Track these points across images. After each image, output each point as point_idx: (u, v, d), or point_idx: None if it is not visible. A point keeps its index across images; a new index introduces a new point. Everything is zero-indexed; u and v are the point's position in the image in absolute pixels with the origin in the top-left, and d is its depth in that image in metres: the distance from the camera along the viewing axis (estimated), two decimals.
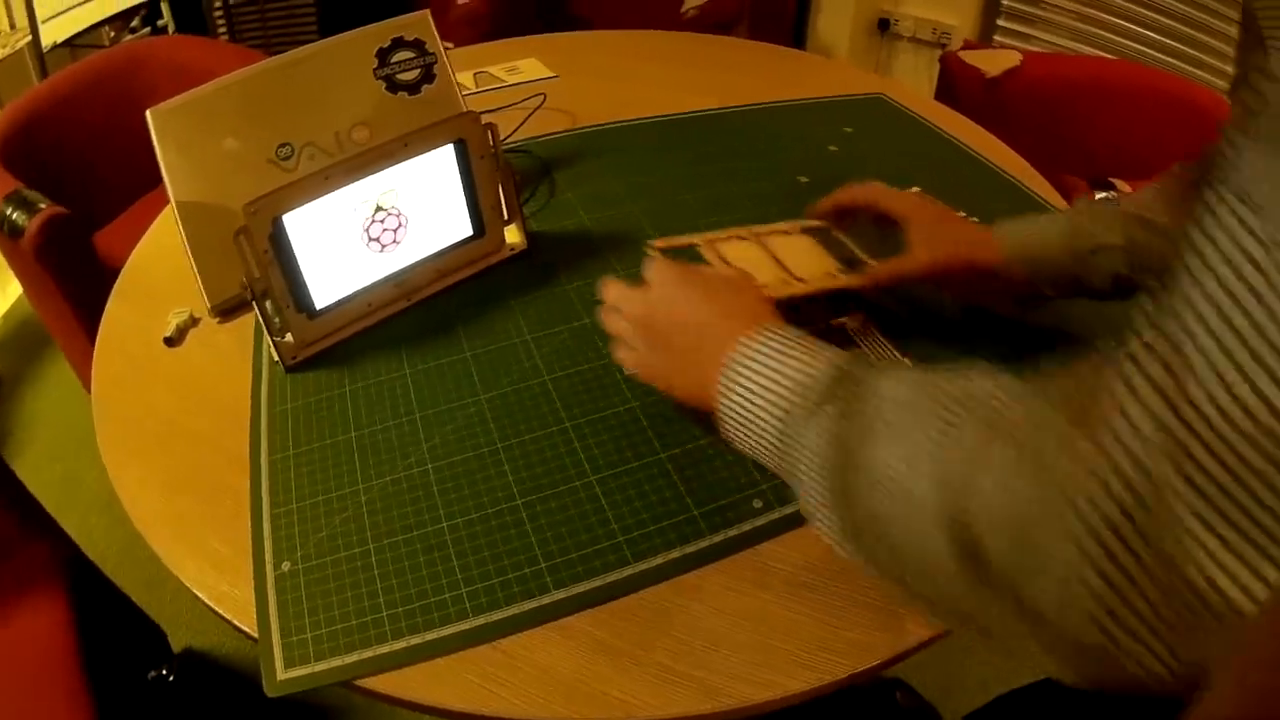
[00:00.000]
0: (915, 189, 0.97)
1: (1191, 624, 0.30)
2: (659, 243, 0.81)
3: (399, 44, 0.93)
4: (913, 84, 2.44)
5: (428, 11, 0.94)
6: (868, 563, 0.46)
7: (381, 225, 0.83)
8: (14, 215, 1.25)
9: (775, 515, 0.69)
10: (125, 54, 1.59)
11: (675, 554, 0.66)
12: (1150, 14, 2.08)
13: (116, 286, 0.96)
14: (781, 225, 0.88)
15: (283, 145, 0.88)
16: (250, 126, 0.86)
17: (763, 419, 0.52)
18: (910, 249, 0.78)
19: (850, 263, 0.84)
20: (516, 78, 1.34)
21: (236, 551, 0.67)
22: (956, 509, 0.38)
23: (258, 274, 0.76)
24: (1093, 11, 2.16)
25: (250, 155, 0.87)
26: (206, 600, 0.64)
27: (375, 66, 0.92)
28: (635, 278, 0.68)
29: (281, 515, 0.69)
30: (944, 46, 2.29)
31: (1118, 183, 1.43)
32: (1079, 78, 1.65)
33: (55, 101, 1.49)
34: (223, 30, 2.44)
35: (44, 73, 1.91)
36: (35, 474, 1.63)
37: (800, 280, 0.79)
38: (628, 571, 0.65)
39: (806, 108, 1.29)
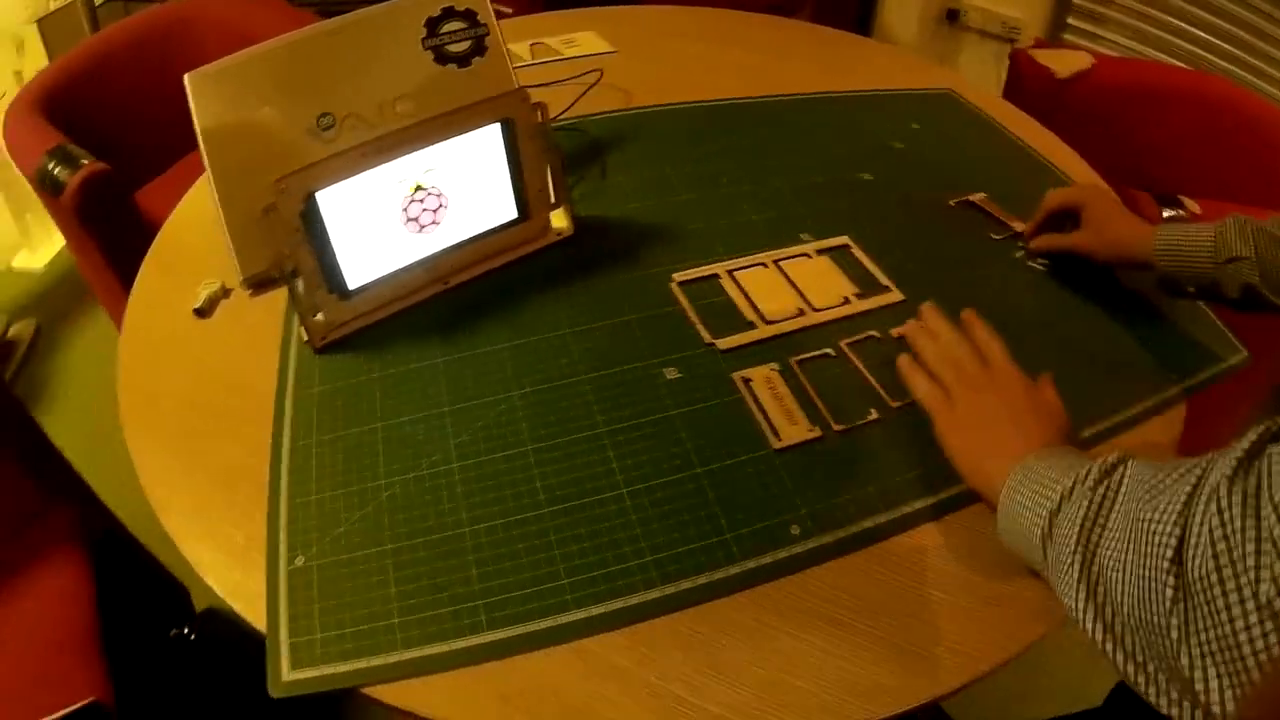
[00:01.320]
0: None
1: None
2: (680, 275, 0.83)
3: (450, 14, 0.86)
4: (979, 78, 2.33)
5: None
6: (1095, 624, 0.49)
7: (421, 205, 0.77)
8: (56, 170, 1.21)
9: (812, 544, 0.63)
10: (174, 11, 1.53)
11: (704, 579, 0.61)
12: (1221, 22, 1.95)
13: (150, 252, 0.92)
14: (803, 247, 0.89)
15: (323, 115, 0.82)
16: (290, 95, 0.81)
17: (1030, 515, 0.56)
18: (1082, 229, 0.86)
19: (868, 285, 0.85)
20: (573, 51, 1.27)
21: (251, 540, 0.63)
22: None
23: (287, 251, 0.71)
24: (1164, 16, 2.03)
25: (289, 124, 0.81)
26: (218, 590, 0.60)
27: (424, 36, 0.85)
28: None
29: (299, 506, 0.65)
30: (1013, 42, 2.17)
31: (1186, 200, 1.33)
32: (1151, 85, 1.54)
33: (102, 57, 1.44)
34: None
35: (95, 26, 1.87)
36: (69, 426, 1.61)
37: (816, 309, 0.81)
38: (653, 594, 0.60)
39: (872, 99, 1.20)
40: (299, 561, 0.61)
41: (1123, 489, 0.50)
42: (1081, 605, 0.49)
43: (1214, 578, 0.39)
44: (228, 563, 0.62)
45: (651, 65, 1.25)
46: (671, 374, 0.74)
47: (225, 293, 0.85)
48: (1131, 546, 0.46)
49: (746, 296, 0.81)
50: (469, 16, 0.88)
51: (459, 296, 0.82)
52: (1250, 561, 0.38)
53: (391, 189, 0.75)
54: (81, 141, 1.28)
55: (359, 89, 0.84)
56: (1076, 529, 0.51)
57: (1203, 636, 0.40)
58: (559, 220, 0.87)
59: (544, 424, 0.71)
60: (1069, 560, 0.51)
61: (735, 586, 0.60)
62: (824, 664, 0.57)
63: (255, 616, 0.59)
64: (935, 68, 1.38)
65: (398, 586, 0.60)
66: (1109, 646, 0.48)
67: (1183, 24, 2.02)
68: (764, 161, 1.03)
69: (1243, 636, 0.38)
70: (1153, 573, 0.43)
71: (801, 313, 0.80)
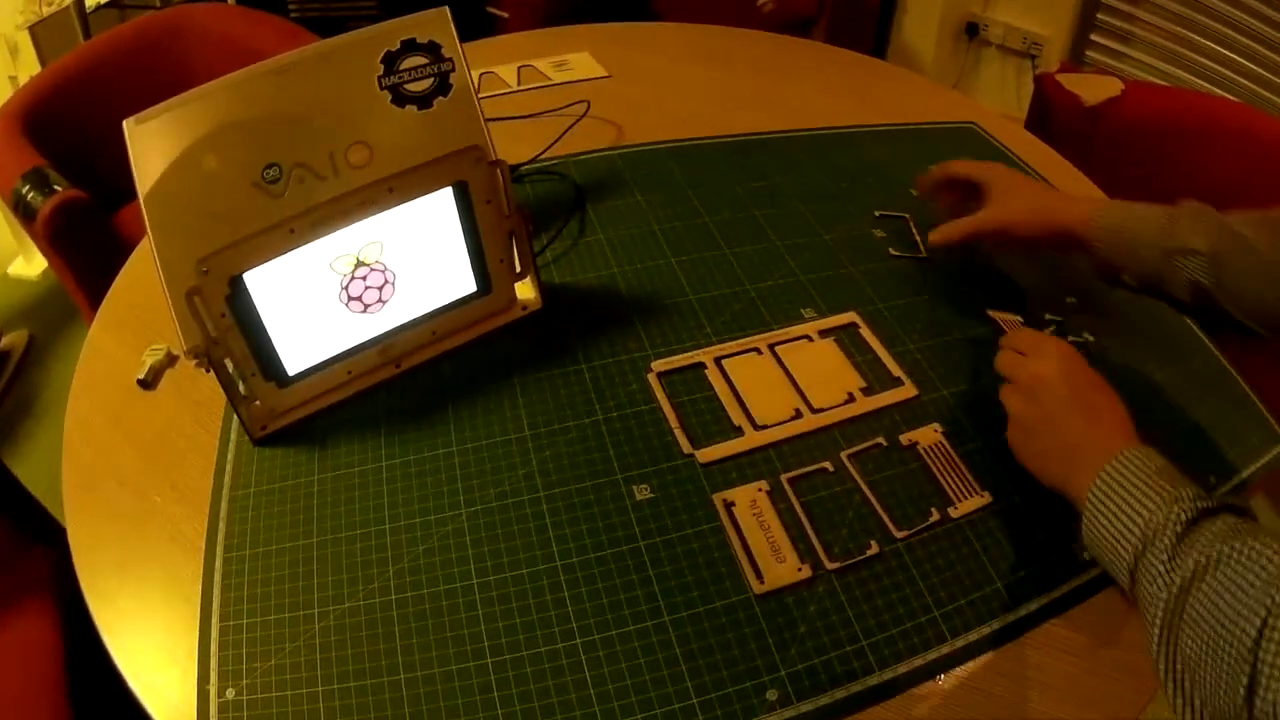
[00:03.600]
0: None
1: None
2: (658, 365, 0.70)
3: (410, 47, 0.71)
4: (999, 94, 2.15)
5: (446, 9, 0.72)
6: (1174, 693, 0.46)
7: (364, 283, 0.64)
8: (29, 195, 1.09)
9: (789, 714, 0.49)
10: (165, 22, 1.40)
11: None
12: (1252, 43, 1.77)
13: (100, 311, 0.79)
14: (805, 327, 0.74)
15: (270, 166, 0.68)
16: (234, 144, 0.67)
17: (1122, 544, 0.51)
18: (985, 207, 0.74)
19: (877, 375, 0.71)
20: (564, 76, 1.12)
21: (190, 656, 0.53)
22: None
23: (215, 338, 0.58)
24: (1192, 36, 1.84)
25: (233, 177, 0.67)
26: (152, 714, 0.51)
27: (380, 75, 0.71)
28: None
29: (230, 630, 0.54)
30: (1034, 58, 1.99)
31: None
32: (1185, 116, 1.37)
33: (90, 68, 1.32)
34: None
35: (87, 33, 1.73)
36: (57, 442, 1.49)
37: (815, 410, 0.67)
38: None
39: (888, 135, 1.04)
40: (230, 694, 0.51)
41: (1198, 588, 0.46)
42: (1162, 672, 0.47)
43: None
44: (162, 681, 0.52)
45: (647, 92, 1.09)
46: (643, 492, 0.60)
47: (171, 360, 0.73)
48: (1208, 660, 0.44)
49: (735, 393, 0.67)
50: (432, 50, 0.73)
51: (413, 381, 0.69)
52: None
53: (328, 267, 0.61)
54: (66, 155, 1.18)
55: (308, 136, 0.69)
56: (1160, 612, 0.47)
57: None
58: (525, 292, 0.73)
59: (493, 552, 0.57)
60: (1152, 629, 0.47)
61: None
62: None
63: None
64: (956, 96, 1.22)
65: None
66: (1187, 715, 0.45)
67: (1211, 44, 1.83)
68: (765, 213, 0.87)
69: None
70: (1227, 695, 0.42)
71: (798, 414, 0.66)
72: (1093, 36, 1.97)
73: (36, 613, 0.84)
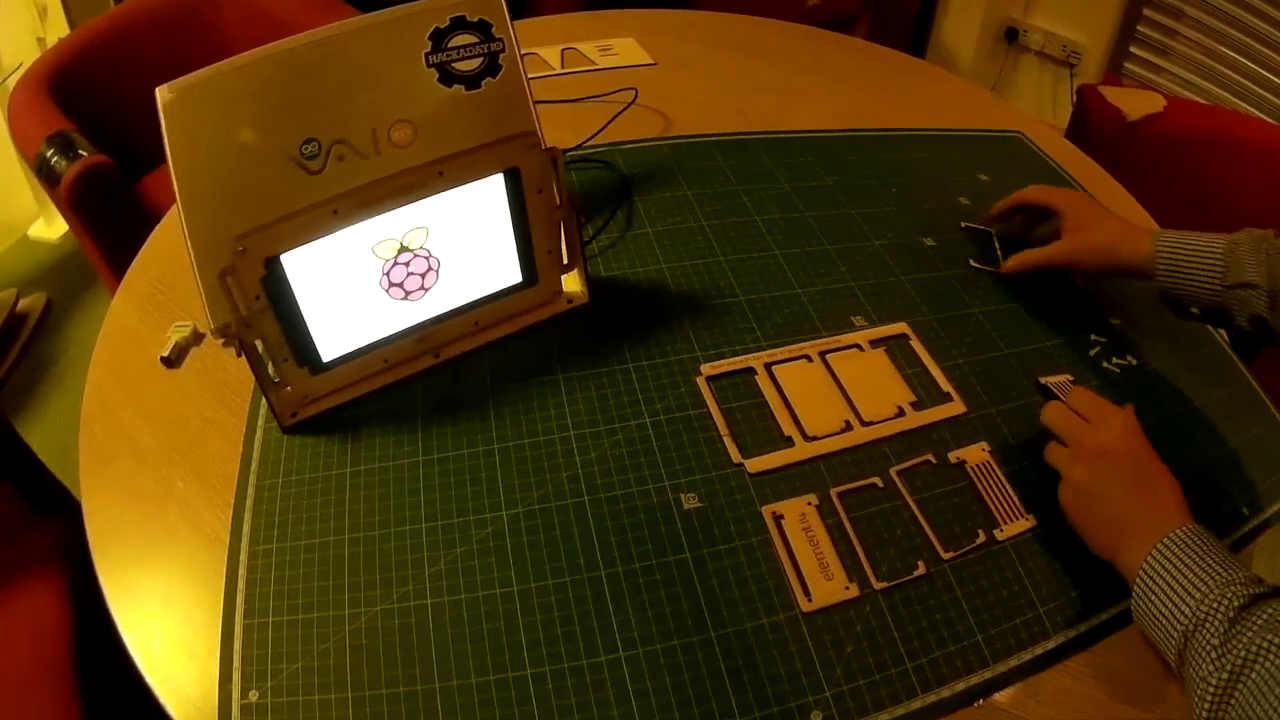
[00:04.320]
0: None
1: None
2: (707, 369, 0.67)
3: (459, 25, 0.68)
4: (1034, 100, 2.11)
5: None
6: None
7: (406, 269, 0.61)
8: (54, 159, 1.06)
9: None
10: None
11: None
12: None
13: (124, 282, 0.77)
14: (855, 336, 0.71)
15: (308, 142, 0.65)
16: (273, 117, 0.64)
17: (1172, 623, 0.50)
18: (1063, 238, 0.75)
19: (926, 389, 0.68)
20: (609, 61, 1.09)
21: (210, 653, 0.50)
22: None
23: (248, 320, 0.55)
24: (1228, 53, 1.80)
25: (270, 151, 0.64)
26: (171, 713, 0.49)
27: (428, 51, 0.68)
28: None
29: (255, 628, 0.51)
30: (1072, 66, 1.95)
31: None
32: (1230, 137, 1.33)
33: (119, 33, 1.28)
34: None
35: None
36: (71, 408, 1.48)
37: (865, 423, 0.64)
38: None
39: (937, 141, 1.01)
40: (253, 696, 0.49)
41: (1247, 677, 0.45)
42: None
43: None
44: (183, 677, 0.50)
45: (693, 82, 1.06)
46: (690, 501, 0.58)
47: (197, 338, 0.70)
48: None
49: (785, 401, 0.64)
50: (483, 29, 0.70)
51: (451, 373, 0.66)
52: None
53: (370, 251, 0.59)
54: (90, 120, 1.15)
55: (350, 112, 0.66)
56: (1209, 697, 0.46)
57: None
58: (572, 285, 0.70)
59: (535, 558, 0.55)
60: (1200, 712, 0.47)
61: None
62: None
63: None
64: (998, 102, 1.19)
65: None
66: None
67: (1248, 62, 1.79)
68: (814, 215, 0.84)
69: None
70: None
71: (848, 426, 0.63)
72: (1131, 49, 1.93)
73: (43, 587, 0.82)
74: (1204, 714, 0.46)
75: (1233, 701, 0.45)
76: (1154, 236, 0.68)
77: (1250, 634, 0.46)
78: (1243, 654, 0.45)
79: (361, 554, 0.55)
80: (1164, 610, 0.51)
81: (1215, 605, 0.48)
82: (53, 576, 0.83)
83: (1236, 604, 0.48)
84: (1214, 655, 0.47)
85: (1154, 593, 0.51)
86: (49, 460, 0.94)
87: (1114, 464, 0.57)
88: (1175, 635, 0.50)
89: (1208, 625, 0.48)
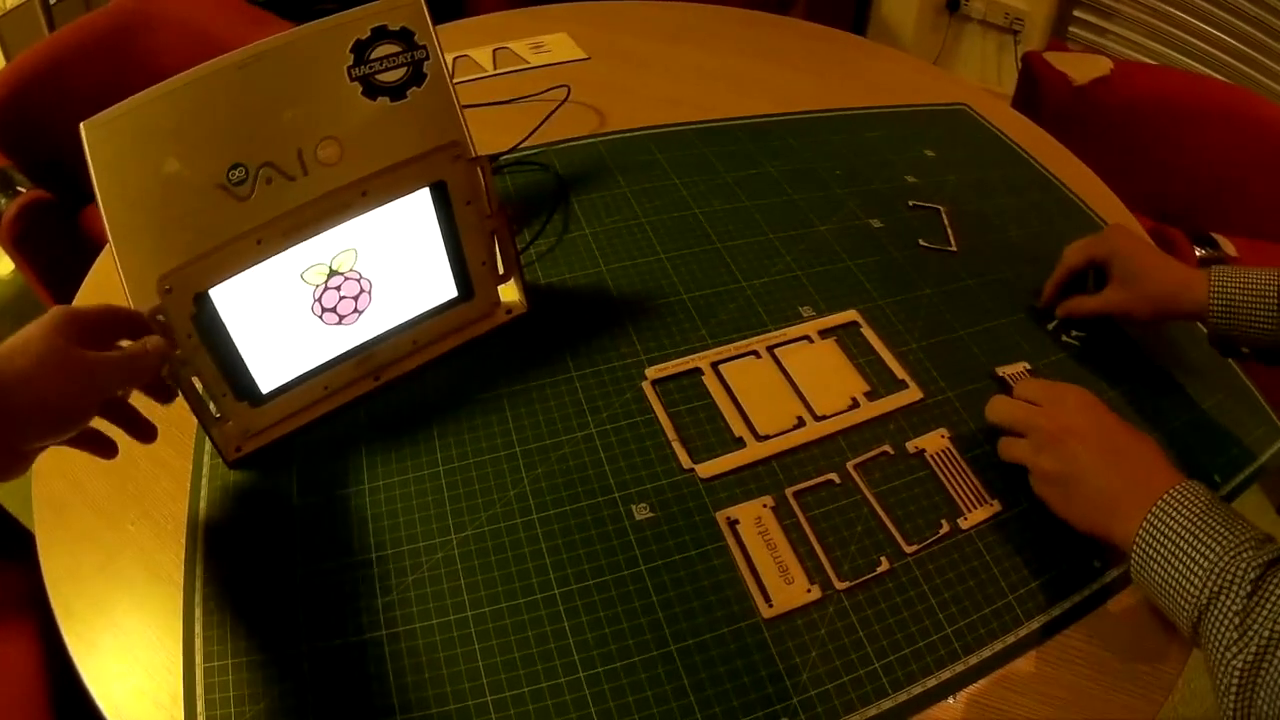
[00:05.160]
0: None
1: None
2: (652, 372, 0.65)
3: (381, 35, 0.66)
4: (979, 70, 2.11)
5: None
6: None
7: (338, 293, 0.59)
8: None
9: None
10: (133, 10, 1.30)
11: None
12: (1232, 19, 1.75)
13: None
14: (804, 327, 0.70)
15: (235, 167, 0.63)
16: (198, 144, 0.61)
17: (1181, 594, 0.49)
18: (1115, 286, 0.70)
19: (880, 378, 0.67)
20: (542, 58, 1.07)
21: (174, 701, 0.49)
22: None
23: (183, 358, 0.53)
24: (1174, 12, 1.82)
25: (197, 180, 0.62)
26: None
27: (350, 65, 0.66)
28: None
29: (215, 670, 0.50)
30: (1016, 34, 1.96)
31: (1220, 239, 1.14)
32: (1177, 97, 1.34)
33: (51, 66, 1.23)
34: None
35: (52, 26, 1.64)
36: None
37: (818, 418, 0.63)
38: None
39: (880, 118, 1.01)
40: None
41: (1275, 654, 0.44)
42: None
43: None
44: None
45: (628, 74, 1.04)
46: (642, 512, 0.57)
47: None
48: None
49: (735, 401, 0.63)
50: (405, 37, 0.67)
51: (394, 395, 0.64)
52: None
53: (299, 278, 0.57)
54: (28, 154, 1.13)
55: (275, 133, 0.64)
56: (1236, 675, 0.45)
57: None
58: (509, 294, 0.69)
59: (488, 580, 0.53)
60: (1226, 694, 0.45)
61: None
62: None
63: None
64: (942, 74, 1.19)
65: None
66: None
67: (1194, 20, 1.81)
68: (756, 203, 0.83)
69: None
70: None
71: (801, 423, 0.62)
72: (1075, 12, 1.94)
73: (14, 637, 0.79)
74: (1231, 694, 0.45)
75: (1259, 680, 0.44)
76: (1208, 275, 0.65)
77: (1269, 607, 0.45)
78: (1266, 632, 0.44)
79: (316, 588, 0.53)
80: (1170, 579, 0.49)
81: (1228, 575, 0.46)
82: (23, 619, 0.80)
83: (1252, 574, 0.46)
84: (1235, 635, 0.45)
85: (1155, 560, 0.50)
86: (9, 503, 0.90)
87: (1081, 440, 0.55)
88: (1187, 607, 0.48)
89: (1223, 598, 0.46)
